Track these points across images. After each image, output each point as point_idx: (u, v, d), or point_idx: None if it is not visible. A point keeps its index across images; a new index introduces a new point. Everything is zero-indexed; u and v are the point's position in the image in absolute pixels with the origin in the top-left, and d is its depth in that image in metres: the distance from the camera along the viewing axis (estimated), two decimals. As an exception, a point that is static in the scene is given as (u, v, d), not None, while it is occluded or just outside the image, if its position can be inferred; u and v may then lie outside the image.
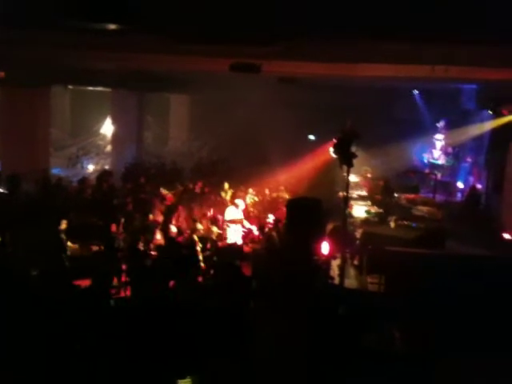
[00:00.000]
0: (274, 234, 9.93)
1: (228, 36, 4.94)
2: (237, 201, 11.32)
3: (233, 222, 10.90)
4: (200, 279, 8.27)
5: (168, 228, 10.22)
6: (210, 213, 11.73)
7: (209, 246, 9.61)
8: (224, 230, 10.87)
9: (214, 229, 10.59)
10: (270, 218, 11.45)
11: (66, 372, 5.37)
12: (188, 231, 10.23)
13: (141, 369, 5.39)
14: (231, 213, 11.03)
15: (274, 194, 14.13)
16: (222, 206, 12.30)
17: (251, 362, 5.96)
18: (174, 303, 6.52)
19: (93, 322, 5.82)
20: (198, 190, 13.34)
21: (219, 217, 11.53)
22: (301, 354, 6.57)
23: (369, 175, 15.57)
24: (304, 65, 8.04)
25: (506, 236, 12.19)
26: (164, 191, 12.48)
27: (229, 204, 12.54)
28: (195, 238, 9.48)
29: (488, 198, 15.21)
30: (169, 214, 10.97)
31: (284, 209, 9.71)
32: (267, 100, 15.48)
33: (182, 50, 7.68)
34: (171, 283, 7.36)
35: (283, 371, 6.25)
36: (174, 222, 10.72)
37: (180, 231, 10.15)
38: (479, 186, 15.85)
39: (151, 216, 10.78)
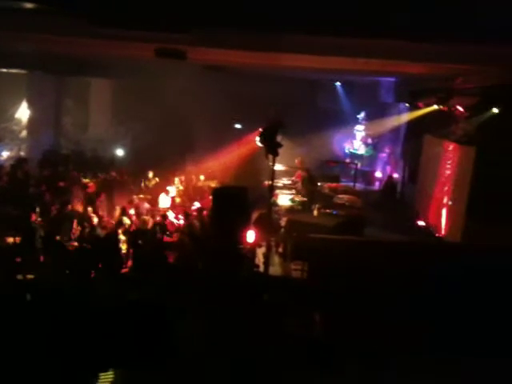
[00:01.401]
0: (195, 222, 9.88)
1: (148, 21, 4.81)
2: (168, 188, 11.19)
3: (162, 210, 10.76)
4: (123, 270, 8.07)
5: (89, 217, 9.87)
6: (134, 201, 11.46)
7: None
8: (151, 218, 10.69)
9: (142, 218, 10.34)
10: (196, 207, 11.38)
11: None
12: (110, 220, 9.94)
13: (58, 364, 5.20)
14: (163, 201, 10.86)
15: (200, 183, 14.06)
16: (146, 195, 12.10)
17: (176, 354, 5.92)
18: (95, 295, 6.33)
19: (8, 317, 5.53)
20: (119, 177, 13.00)
21: (146, 205, 11.34)
22: (226, 342, 6.61)
23: (293, 164, 15.82)
24: (228, 53, 8.01)
25: (420, 223, 12.91)
26: (84, 179, 12.04)
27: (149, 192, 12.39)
28: (118, 227, 9.24)
29: (404, 187, 16.01)
30: (89, 203, 10.60)
31: (210, 197, 9.69)
32: (194, 88, 15.29)
33: (103, 35, 7.38)
34: (92, 274, 7.13)
35: (209, 360, 6.27)
36: (95, 211, 10.38)
37: (101, 220, 9.84)
38: (396, 176, 16.63)
39: (70, 205, 10.36)
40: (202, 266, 8.11)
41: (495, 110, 9.25)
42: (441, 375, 6.52)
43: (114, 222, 9.89)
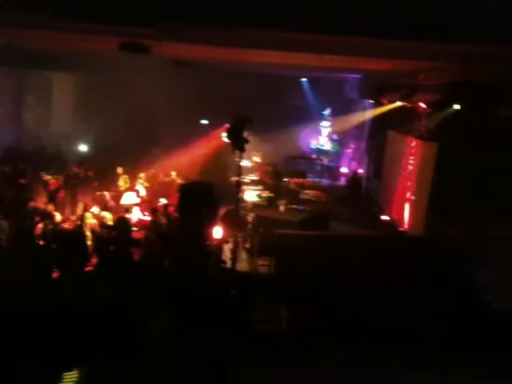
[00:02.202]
0: (162, 218, 9.78)
1: (113, 15, 4.72)
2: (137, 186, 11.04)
3: (128, 207, 10.61)
4: (88, 268, 7.92)
5: (50, 214, 9.65)
6: (98, 198, 11.26)
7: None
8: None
9: (105, 214, 10.15)
10: (162, 203, 11.26)
11: None
12: (71, 217, 9.75)
13: (21, 364, 5.07)
14: (128, 198, 10.71)
15: (167, 179, 13.92)
16: (112, 191, 11.91)
17: (142, 352, 5.86)
18: (59, 294, 6.20)
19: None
20: (83, 174, 12.75)
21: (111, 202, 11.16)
22: (193, 338, 6.58)
23: (259, 160, 15.87)
24: (193, 48, 7.95)
25: (384, 217, 13.14)
26: (46, 176, 11.75)
27: (120, 189, 12.20)
28: (84, 224, 9.06)
29: (369, 182, 16.26)
30: (51, 200, 10.36)
31: (177, 193, 9.60)
32: (160, 83, 15.10)
33: (66, 28, 7.21)
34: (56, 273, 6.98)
35: (175, 357, 6.23)
36: (57, 208, 10.16)
37: (63, 217, 9.63)
38: (361, 171, 16.88)
39: (32, 203, 10.10)
40: (169, 263, 8.04)
41: (456, 107, 9.48)
42: (408, 364, 6.67)
43: (75, 219, 9.68)
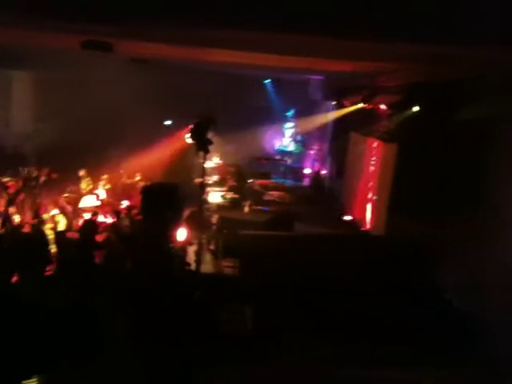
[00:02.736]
0: (124, 221, 9.65)
1: (73, 13, 4.63)
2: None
3: (87, 210, 10.39)
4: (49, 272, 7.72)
5: (11, 218, 9.38)
6: (59, 200, 11.00)
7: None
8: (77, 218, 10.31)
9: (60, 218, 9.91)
10: (124, 205, 11.09)
11: None
12: (30, 220, 9.48)
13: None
14: (87, 201, 10.49)
15: (130, 180, 13.72)
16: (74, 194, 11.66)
17: (105, 356, 5.76)
18: (17, 299, 6.02)
19: None
20: (46, 176, 12.42)
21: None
22: (158, 341, 6.52)
23: (219, 161, 15.83)
24: (155, 46, 7.86)
25: (347, 217, 13.33)
26: (4, 178, 11.40)
27: (83, 192, 11.95)
28: (40, 226, 8.83)
29: (332, 183, 16.46)
30: (10, 203, 10.06)
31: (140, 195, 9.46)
32: (123, 82, 14.86)
33: (27, 25, 7.02)
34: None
35: (140, 361, 6.16)
36: (16, 210, 9.87)
37: (23, 221, 9.37)
38: (324, 172, 17.07)
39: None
40: (131, 265, 7.92)
41: (416, 108, 9.70)
42: (372, 361, 6.79)
43: (34, 222, 9.43)
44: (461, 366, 6.88)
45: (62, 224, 9.73)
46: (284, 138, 18.31)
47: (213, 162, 15.52)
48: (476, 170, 7.92)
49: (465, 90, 7.98)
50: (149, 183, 11.84)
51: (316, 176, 16.85)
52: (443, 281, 8.67)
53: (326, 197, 15.76)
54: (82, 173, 12.70)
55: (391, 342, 7.19)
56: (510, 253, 7.19)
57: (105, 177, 12.90)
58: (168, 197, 8.11)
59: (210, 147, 8.43)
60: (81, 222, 9.90)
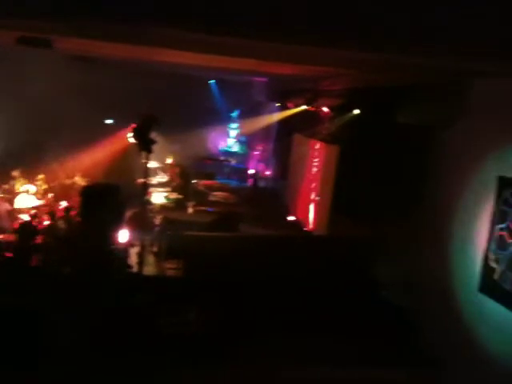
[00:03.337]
0: (62, 223, 9.35)
1: (9, 8, 4.43)
2: (27, 187, 10.38)
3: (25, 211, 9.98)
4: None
5: None
6: None
7: None
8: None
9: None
10: (62, 206, 10.74)
11: None
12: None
13: None
14: (23, 201, 10.05)
15: (69, 181, 13.29)
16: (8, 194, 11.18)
17: (45, 360, 5.58)
18: None
19: None
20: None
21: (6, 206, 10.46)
22: (100, 345, 6.38)
23: (170, 162, 15.65)
24: (96, 44, 7.66)
25: (291, 218, 13.52)
26: None
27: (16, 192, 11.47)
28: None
29: (275, 184, 16.64)
30: None
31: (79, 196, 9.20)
32: (63, 80, 14.37)
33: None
34: None
35: (82, 364, 6.01)
36: None
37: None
38: (268, 173, 17.23)
39: None
40: (71, 268, 7.70)
41: (356, 111, 9.97)
42: (319, 359, 6.93)
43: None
44: (397, 362, 7.15)
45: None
46: (228, 139, 18.33)
47: (159, 162, 15.31)
48: (412, 173, 8.23)
49: (403, 95, 8.29)
50: (88, 183, 11.54)
51: (260, 177, 17.00)
52: (381, 278, 8.97)
53: (271, 198, 15.91)
54: (15, 173, 12.20)
55: (332, 339, 7.37)
56: (438, 252, 7.52)
57: (41, 177, 12.43)
58: (108, 197, 7.95)
59: (155, 147, 8.34)
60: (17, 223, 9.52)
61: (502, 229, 6.25)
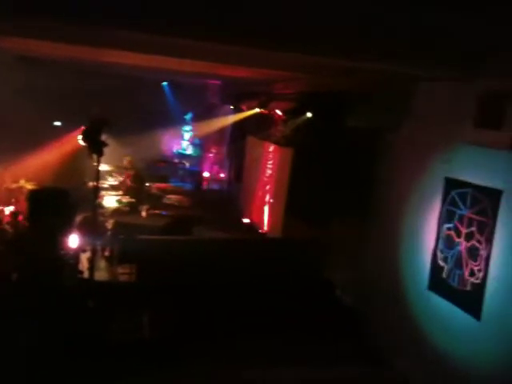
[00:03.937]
0: (8, 228, 9.01)
1: None
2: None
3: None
4: None
5: None
6: None
7: None
8: None
9: None
10: (7, 211, 10.34)
11: None
12: None
13: None
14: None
15: (15, 185, 12.81)
16: None
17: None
18: None
19: None
20: None
21: None
22: (48, 352, 6.19)
23: (125, 163, 15.31)
24: (43, 44, 7.41)
25: (245, 220, 13.52)
26: None
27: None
28: None
29: (230, 187, 16.61)
30: None
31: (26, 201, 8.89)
32: (6, 81, 13.85)
33: None
34: None
35: (30, 372, 5.82)
36: None
37: None
38: (222, 175, 17.19)
39: None
40: (18, 275, 7.42)
41: (309, 115, 10.09)
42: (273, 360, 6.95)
43: None
44: (348, 362, 7.28)
45: None
46: (182, 141, 18.18)
47: (109, 165, 14.96)
48: (362, 175, 8.40)
49: (352, 99, 8.46)
50: (36, 187, 11.18)
51: (198, 178, 17.06)
52: (335, 279, 9.11)
53: (225, 200, 15.87)
54: None
55: (282, 340, 7.44)
56: (388, 253, 7.70)
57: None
58: (56, 201, 7.72)
59: (106, 150, 8.14)
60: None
61: (449, 228, 6.46)
